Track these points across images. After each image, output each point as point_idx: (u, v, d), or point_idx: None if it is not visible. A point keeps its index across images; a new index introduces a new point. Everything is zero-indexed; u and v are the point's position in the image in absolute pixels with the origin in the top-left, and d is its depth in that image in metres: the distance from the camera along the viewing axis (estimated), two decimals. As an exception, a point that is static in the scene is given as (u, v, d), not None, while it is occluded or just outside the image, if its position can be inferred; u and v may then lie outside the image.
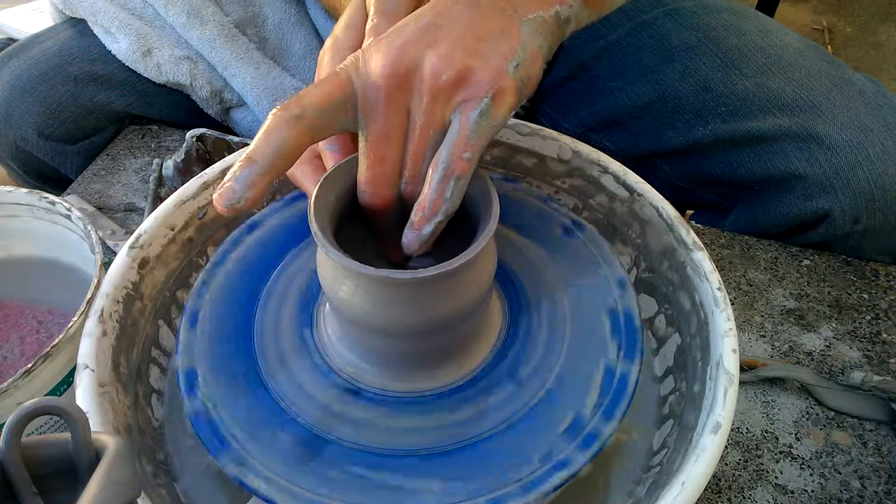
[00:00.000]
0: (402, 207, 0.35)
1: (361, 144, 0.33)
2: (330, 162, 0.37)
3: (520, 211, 0.44)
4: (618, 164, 0.46)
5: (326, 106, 0.32)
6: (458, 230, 0.35)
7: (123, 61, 0.72)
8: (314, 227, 0.32)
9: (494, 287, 0.40)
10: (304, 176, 0.38)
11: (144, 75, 0.72)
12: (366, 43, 0.36)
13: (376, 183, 0.34)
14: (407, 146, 0.33)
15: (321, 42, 0.76)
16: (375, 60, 0.32)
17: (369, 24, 0.37)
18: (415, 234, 0.34)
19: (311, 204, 0.33)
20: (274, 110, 0.31)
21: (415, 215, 0.34)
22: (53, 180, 0.79)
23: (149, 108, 0.77)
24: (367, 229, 0.37)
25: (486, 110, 0.32)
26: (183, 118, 0.79)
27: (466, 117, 0.32)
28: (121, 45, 0.72)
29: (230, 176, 0.31)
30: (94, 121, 0.75)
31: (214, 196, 0.31)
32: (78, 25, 0.76)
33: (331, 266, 0.34)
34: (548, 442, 0.34)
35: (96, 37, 0.73)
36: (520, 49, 0.33)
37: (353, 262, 0.31)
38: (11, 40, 0.82)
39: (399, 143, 0.33)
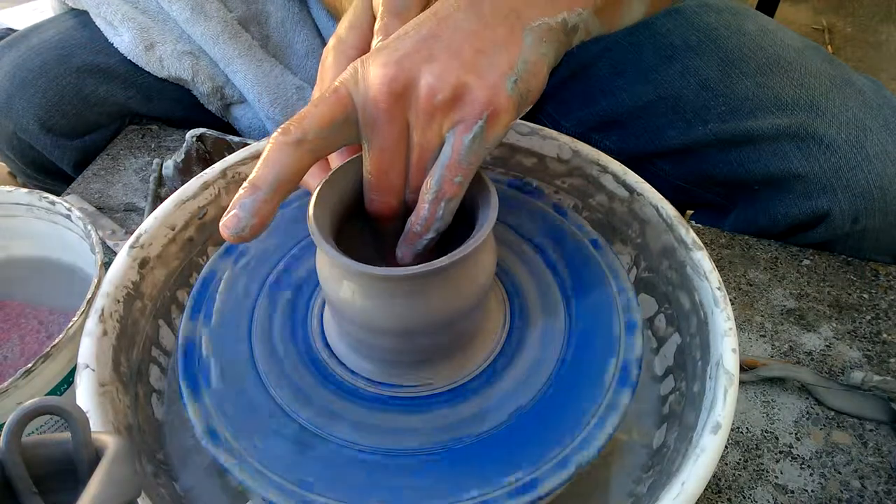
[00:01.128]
0: (408, 213, 0.35)
1: (365, 156, 0.34)
2: (335, 161, 0.38)
3: (522, 213, 0.44)
4: (617, 163, 0.46)
5: (328, 126, 0.32)
6: (461, 228, 0.35)
7: (125, 55, 0.72)
8: (313, 227, 0.32)
9: (496, 287, 0.40)
10: (309, 176, 0.38)
11: (146, 69, 0.72)
12: (374, 42, 0.36)
13: (382, 192, 0.34)
14: (409, 158, 0.34)
15: (323, 41, 0.76)
16: (374, 75, 0.32)
17: (378, 24, 0.36)
18: (409, 247, 0.35)
19: (312, 204, 0.33)
20: (275, 133, 0.31)
21: (408, 231, 0.34)
22: (52, 173, 0.79)
23: (149, 102, 0.77)
24: (369, 230, 0.37)
25: (480, 133, 0.32)
26: (183, 113, 0.79)
27: (459, 141, 0.32)
28: (123, 39, 0.71)
29: (234, 203, 0.31)
30: (96, 115, 0.75)
31: (220, 225, 0.31)
32: (80, 16, 0.76)
33: (329, 266, 0.34)
34: (547, 441, 0.34)
35: (98, 28, 0.73)
36: (520, 61, 0.32)
37: (350, 261, 0.31)
38: (11, 30, 0.81)
39: (402, 156, 0.33)
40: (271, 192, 0.31)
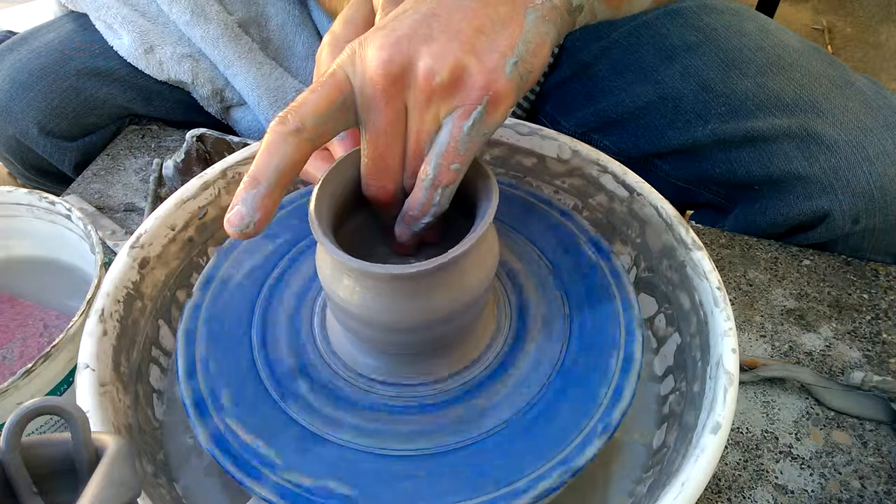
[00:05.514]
0: (406, 197, 0.35)
1: (363, 140, 0.33)
2: (339, 150, 0.37)
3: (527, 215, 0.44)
4: (617, 163, 0.46)
5: (325, 112, 0.31)
6: (464, 216, 0.35)
7: (125, 58, 0.72)
8: (314, 223, 0.32)
9: (498, 287, 0.40)
10: (315, 169, 0.38)
11: (146, 72, 0.72)
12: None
13: (379, 176, 0.34)
14: (406, 142, 0.33)
15: (324, 44, 0.76)
16: (371, 57, 0.31)
17: (380, 13, 0.36)
18: (406, 227, 0.35)
19: (314, 198, 0.33)
20: (272, 123, 0.31)
21: (405, 213, 0.34)
22: (52, 175, 0.79)
23: (149, 104, 0.77)
24: (374, 219, 0.37)
25: (479, 119, 0.31)
26: (183, 115, 0.79)
27: (458, 127, 0.31)
28: (123, 42, 0.72)
29: (236, 198, 0.30)
30: (96, 117, 0.75)
31: (225, 221, 0.30)
32: (80, 19, 0.76)
33: (329, 262, 0.34)
34: (544, 444, 0.34)
35: (98, 31, 0.73)
36: (521, 42, 0.31)
37: (347, 257, 0.31)
38: (11, 33, 0.81)
39: (399, 139, 0.33)
40: (272, 185, 0.30)
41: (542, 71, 0.33)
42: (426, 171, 0.32)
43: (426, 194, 0.33)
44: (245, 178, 0.30)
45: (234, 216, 0.30)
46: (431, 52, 0.30)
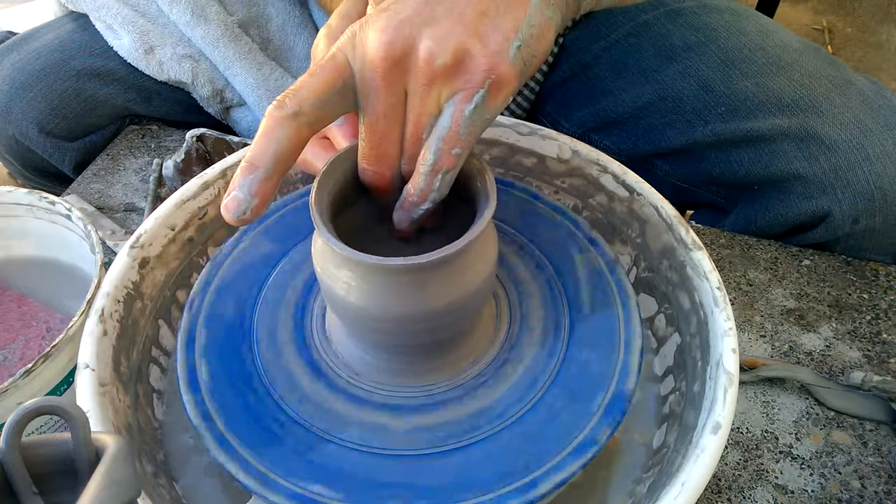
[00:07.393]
0: (404, 184, 0.35)
1: (361, 124, 0.33)
2: (339, 137, 0.37)
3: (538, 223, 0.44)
4: (617, 163, 0.46)
5: (324, 96, 0.31)
6: (462, 205, 0.35)
7: (125, 58, 0.72)
8: (314, 212, 0.32)
9: (498, 288, 0.40)
10: (313, 157, 0.38)
11: (146, 73, 0.72)
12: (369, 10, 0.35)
13: (376, 162, 0.33)
14: (405, 127, 0.33)
15: (324, 44, 0.76)
16: (371, 39, 0.30)
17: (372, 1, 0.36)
18: (405, 213, 0.34)
19: (314, 190, 0.33)
20: (270, 107, 0.30)
21: (404, 199, 0.34)
22: (51, 175, 0.79)
23: (149, 104, 0.77)
24: (373, 208, 0.37)
25: (481, 103, 0.31)
26: (183, 115, 0.79)
27: (459, 111, 0.31)
28: (123, 42, 0.72)
29: (234, 183, 0.30)
30: (96, 117, 0.75)
31: (221, 207, 0.30)
32: (80, 20, 0.76)
33: (329, 255, 0.34)
34: (545, 443, 0.34)
35: (98, 32, 0.73)
36: (525, 25, 0.31)
37: (346, 248, 0.31)
38: (11, 33, 0.82)
39: (398, 124, 0.32)
40: (270, 170, 0.30)
41: (545, 56, 0.33)
42: (426, 156, 0.32)
43: (426, 180, 0.32)
44: (242, 164, 0.30)
45: (231, 202, 0.30)
46: (434, 35, 0.30)
